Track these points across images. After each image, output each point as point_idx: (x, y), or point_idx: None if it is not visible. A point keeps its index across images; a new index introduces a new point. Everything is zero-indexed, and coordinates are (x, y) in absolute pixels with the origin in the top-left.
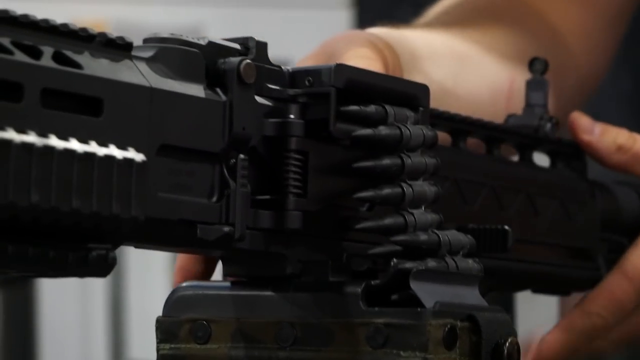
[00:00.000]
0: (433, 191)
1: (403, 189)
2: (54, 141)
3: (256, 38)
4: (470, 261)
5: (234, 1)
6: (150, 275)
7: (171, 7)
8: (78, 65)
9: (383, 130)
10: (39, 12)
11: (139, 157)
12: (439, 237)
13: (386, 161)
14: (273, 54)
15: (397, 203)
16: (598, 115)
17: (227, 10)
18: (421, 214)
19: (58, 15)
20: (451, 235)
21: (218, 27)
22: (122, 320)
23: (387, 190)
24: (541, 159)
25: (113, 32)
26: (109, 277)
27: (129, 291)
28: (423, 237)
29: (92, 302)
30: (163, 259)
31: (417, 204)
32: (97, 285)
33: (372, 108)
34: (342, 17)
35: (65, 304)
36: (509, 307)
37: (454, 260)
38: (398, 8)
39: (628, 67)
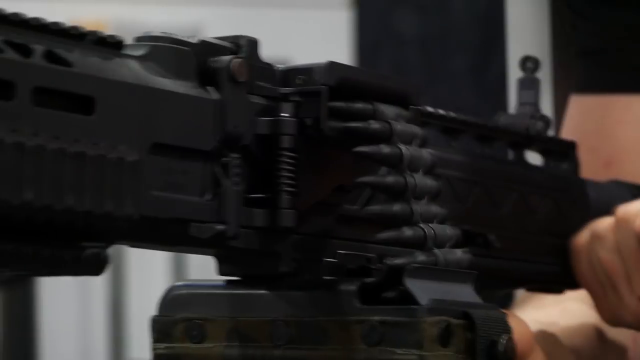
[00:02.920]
0: (435, 184)
1: (405, 179)
2: (45, 139)
3: (253, 37)
4: (459, 252)
5: (234, 1)
6: (150, 275)
7: (171, 7)
8: (69, 64)
9: (373, 124)
10: (38, 12)
11: (131, 155)
12: (424, 231)
13: (386, 150)
14: (273, 53)
15: (401, 192)
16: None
17: (227, 10)
18: (425, 206)
19: (57, 15)
20: (436, 228)
21: (218, 27)
22: (122, 320)
23: (390, 178)
24: (533, 158)
25: (113, 32)
26: (108, 277)
27: (129, 291)
28: (408, 232)
29: (92, 302)
30: (163, 259)
31: (419, 194)
32: (97, 285)
33: (359, 105)
34: (342, 17)
35: (65, 304)
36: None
37: (442, 252)
38: (398, 8)
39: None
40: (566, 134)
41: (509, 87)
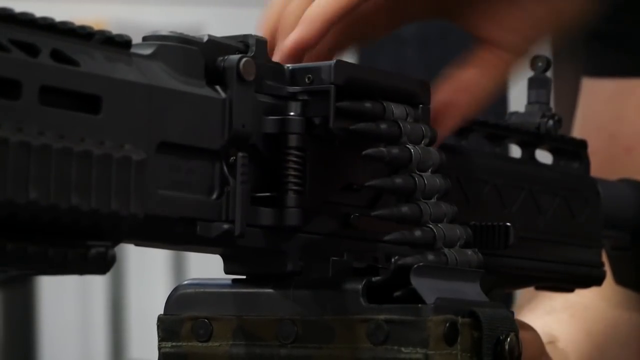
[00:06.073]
0: (444, 183)
1: (414, 179)
2: (51, 139)
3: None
4: (469, 252)
5: (234, 1)
6: (150, 275)
7: (171, 6)
8: (76, 63)
9: (382, 124)
10: (38, 11)
11: (137, 154)
12: (433, 231)
13: (395, 151)
14: None
15: (409, 193)
16: None
17: (227, 10)
18: (435, 204)
19: (57, 14)
20: (446, 228)
21: (218, 27)
22: (122, 320)
23: (399, 180)
24: (544, 156)
25: (112, 32)
26: (109, 277)
27: (129, 291)
28: (417, 233)
29: (92, 302)
30: (163, 259)
31: (428, 194)
32: (97, 285)
33: (368, 104)
34: None
35: (65, 304)
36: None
37: (452, 252)
38: None
39: None
40: (584, 120)
41: (508, 87)
